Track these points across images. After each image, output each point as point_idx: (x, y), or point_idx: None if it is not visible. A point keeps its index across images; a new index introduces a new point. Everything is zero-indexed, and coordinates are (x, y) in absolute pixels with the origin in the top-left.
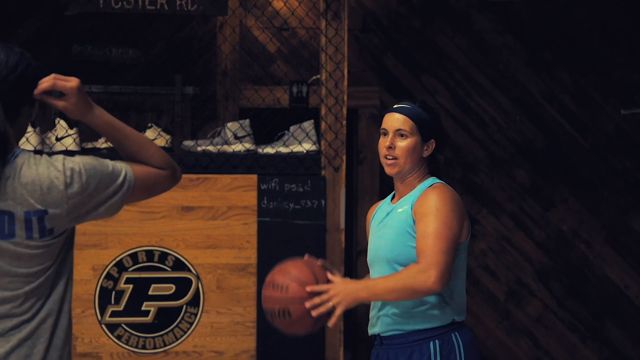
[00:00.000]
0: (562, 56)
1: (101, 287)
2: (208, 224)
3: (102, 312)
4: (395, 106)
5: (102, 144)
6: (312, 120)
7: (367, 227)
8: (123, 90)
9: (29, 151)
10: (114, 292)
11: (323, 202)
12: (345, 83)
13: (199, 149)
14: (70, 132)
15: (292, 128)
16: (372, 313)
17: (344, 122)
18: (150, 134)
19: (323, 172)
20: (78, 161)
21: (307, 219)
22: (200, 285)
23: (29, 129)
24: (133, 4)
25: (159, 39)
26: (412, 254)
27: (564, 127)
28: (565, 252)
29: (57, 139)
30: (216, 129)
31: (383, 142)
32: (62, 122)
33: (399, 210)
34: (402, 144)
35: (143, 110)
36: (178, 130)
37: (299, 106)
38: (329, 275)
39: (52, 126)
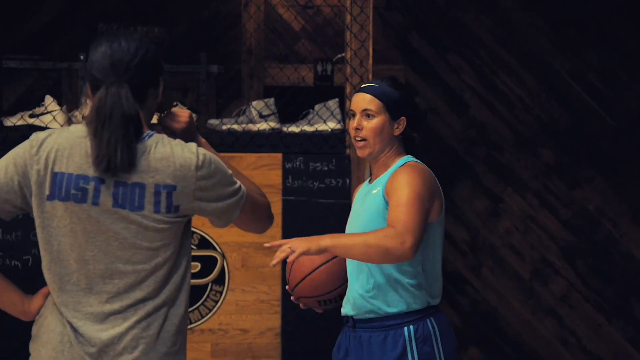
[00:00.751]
0: (589, 35)
1: None
2: None
3: None
4: (362, 86)
5: None
6: (337, 99)
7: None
8: None
9: (163, 135)
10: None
11: (348, 180)
12: (370, 61)
13: (224, 127)
14: None
15: (316, 106)
16: (347, 292)
17: None
18: (87, 110)
19: (348, 151)
20: (207, 152)
21: (332, 197)
22: (225, 264)
23: (56, 107)
24: None
25: (184, 17)
26: None
27: (589, 105)
28: (591, 231)
29: (84, 117)
30: (241, 107)
31: (351, 124)
32: (89, 101)
33: (373, 192)
34: (370, 124)
35: (168, 89)
36: (203, 109)
37: (324, 84)
38: None
39: (79, 104)
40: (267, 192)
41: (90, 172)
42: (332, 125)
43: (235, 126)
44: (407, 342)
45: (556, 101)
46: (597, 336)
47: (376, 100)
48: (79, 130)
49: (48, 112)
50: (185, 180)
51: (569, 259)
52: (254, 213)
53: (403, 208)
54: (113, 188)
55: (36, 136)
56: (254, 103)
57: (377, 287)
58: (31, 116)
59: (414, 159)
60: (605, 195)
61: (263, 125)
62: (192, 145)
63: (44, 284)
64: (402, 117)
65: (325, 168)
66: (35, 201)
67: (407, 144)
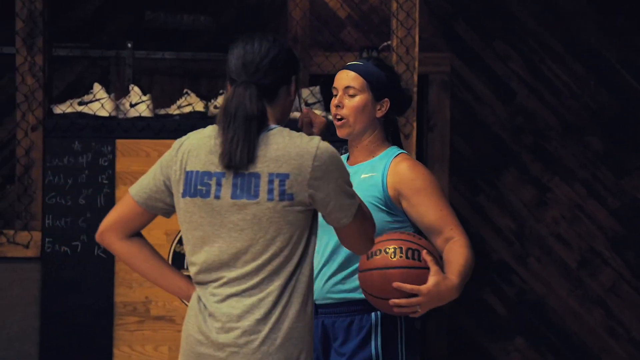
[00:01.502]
0: (637, 21)
1: (174, 251)
2: None
3: None
4: (346, 64)
5: (174, 110)
6: None
7: None
8: (195, 57)
9: (286, 128)
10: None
11: None
12: (417, 49)
13: None
14: (144, 98)
15: None
16: None
17: (415, 89)
18: (222, 100)
19: None
20: (330, 146)
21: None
22: None
23: (104, 94)
24: None
25: (230, 5)
26: (381, 219)
27: (638, 93)
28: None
29: (131, 105)
30: None
31: (332, 102)
32: (136, 89)
33: (363, 176)
34: (351, 102)
35: (214, 77)
36: None
37: None
38: (428, 260)
39: (127, 92)
40: None
41: (213, 168)
42: None
43: None
44: (373, 327)
45: (604, 88)
46: None
47: (360, 78)
48: (210, 130)
49: (96, 100)
50: (300, 168)
51: (618, 250)
52: (362, 227)
53: (445, 212)
54: (232, 180)
55: (178, 140)
56: (300, 91)
57: (343, 274)
58: (80, 104)
59: (403, 151)
60: None
61: None
62: (316, 138)
63: (91, 268)
64: (386, 99)
65: None
66: (175, 199)
67: (387, 129)
